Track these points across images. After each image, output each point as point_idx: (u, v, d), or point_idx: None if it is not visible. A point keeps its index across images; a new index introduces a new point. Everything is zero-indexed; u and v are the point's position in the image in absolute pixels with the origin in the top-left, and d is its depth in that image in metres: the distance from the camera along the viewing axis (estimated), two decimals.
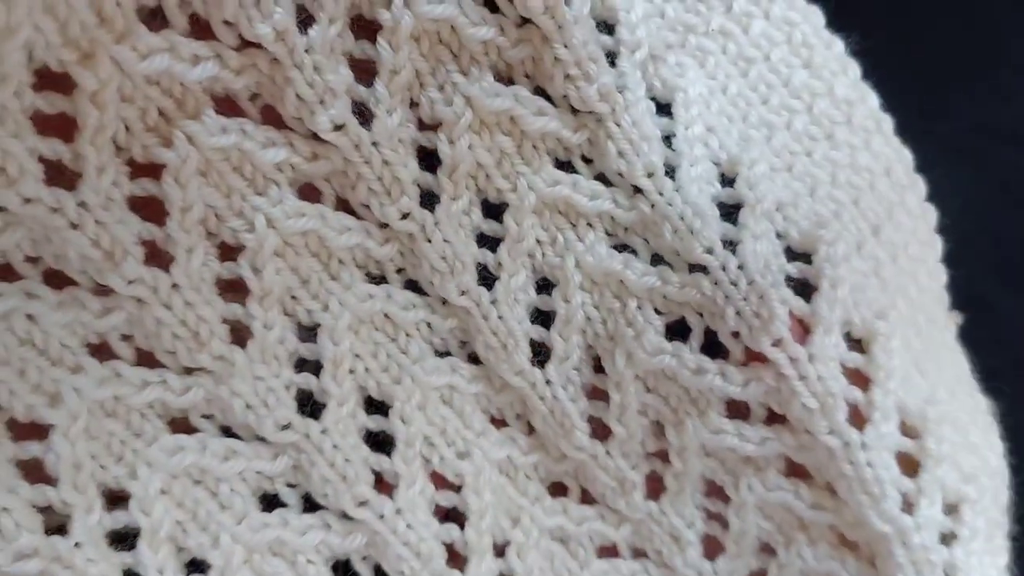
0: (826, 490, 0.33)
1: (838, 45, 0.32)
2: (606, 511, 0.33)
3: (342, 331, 0.29)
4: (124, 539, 0.27)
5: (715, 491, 0.34)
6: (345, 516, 0.29)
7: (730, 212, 0.30)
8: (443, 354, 0.31)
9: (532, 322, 0.31)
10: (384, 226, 0.29)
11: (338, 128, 0.27)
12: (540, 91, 0.29)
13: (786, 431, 0.32)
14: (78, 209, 0.24)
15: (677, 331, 0.31)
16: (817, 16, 0.32)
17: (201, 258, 0.27)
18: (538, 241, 0.31)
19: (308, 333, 0.29)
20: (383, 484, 0.30)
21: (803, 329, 0.31)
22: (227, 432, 0.28)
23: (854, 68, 0.33)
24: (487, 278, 0.30)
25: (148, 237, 0.26)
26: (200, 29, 0.25)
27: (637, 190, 0.30)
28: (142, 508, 0.27)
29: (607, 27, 0.29)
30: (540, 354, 0.31)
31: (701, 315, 0.31)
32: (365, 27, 0.27)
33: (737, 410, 0.32)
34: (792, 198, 0.31)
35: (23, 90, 0.22)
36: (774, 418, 0.32)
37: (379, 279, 0.30)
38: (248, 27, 0.25)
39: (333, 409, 0.29)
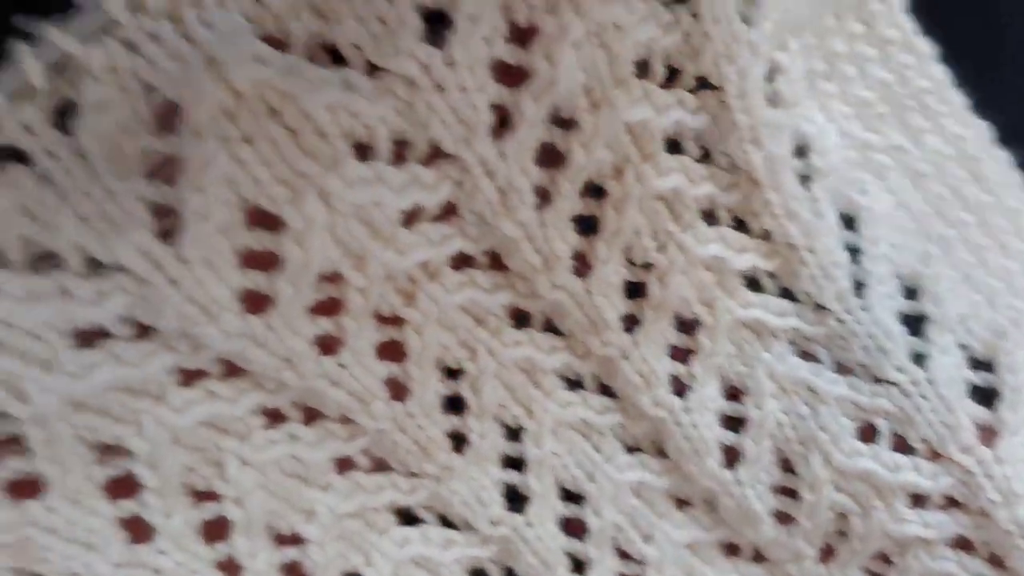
0: (989, 561, 0.34)
1: (1004, 157, 0.34)
2: None
3: (545, 435, 0.32)
4: None
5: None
6: None
7: (913, 323, 0.32)
8: (634, 450, 0.34)
9: (722, 427, 0.33)
10: (587, 348, 0.32)
11: (557, 288, 0.30)
12: (740, 223, 0.31)
13: (961, 513, 0.34)
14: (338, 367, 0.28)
15: (867, 434, 0.33)
16: (985, 130, 0.34)
17: (434, 388, 0.30)
18: (727, 354, 0.33)
19: (514, 434, 0.33)
20: (578, 566, 0.34)
21: (987, 433, 0.32)
22: (445, 521, 0.32)
23: (1017, 179, 0.34)
24: (679, 387, 0.33)
25: (390, 376, 0.30)
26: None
27: (824, 308, 0.32)
28: None
29: (799, 150, 0.31)
30: (730, 455, 0.34)
31: (887, 419, 0.33)
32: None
33: (918, 498, 0.34)
34: (973, 309, 0.33)
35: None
36: (952, 503, 0.34)
37: (576, 383, 0.33)
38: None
39: (536, 504, 0.33)
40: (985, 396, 0.33)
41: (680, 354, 0.33)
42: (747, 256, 0.31)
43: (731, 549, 0.36)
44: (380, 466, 0.31)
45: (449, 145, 0.27)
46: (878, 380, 0.32)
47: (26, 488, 0.26)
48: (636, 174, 0.29)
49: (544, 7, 0.26)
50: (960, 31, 0.32)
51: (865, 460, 0.33)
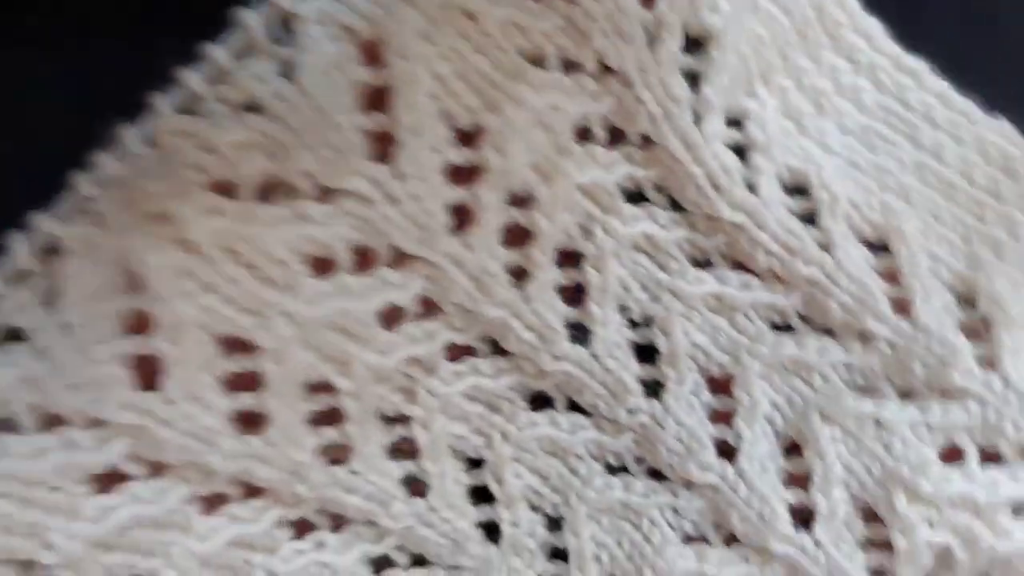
0: None
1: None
2: None
3: (582, 523, 0.31)
4: None
5: None
6: None
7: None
8: (694, 538, 0.31)
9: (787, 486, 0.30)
10: (615, 421, 0.30)
11: (556, 359, 0.30)
12: (739, 264, 0.30)
13: None
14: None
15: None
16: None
17: (453, 478, 0.30)
18: (773, 404, 0.30)
19: (555, 523, 0.31)
20: None
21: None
22: None
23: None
24: (728, 452, 0.30)
25: (407, 474, 0.30)
26: None
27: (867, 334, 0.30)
28: None
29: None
30: (801, 515, 0.30)
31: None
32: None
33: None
34: (949, 248, 0.31)
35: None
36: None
37: (620, 468, 0.31)
38: None
39: None
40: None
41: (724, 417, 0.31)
42: (752, 293, 0.30)
43: None
44: (418, 561, 0.30)
45: (413, 248, 0.28)
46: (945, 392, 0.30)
47: None
48: (604, 228, 0.30)
49: (484, 107, 0.28)
50: (957, 31, 0.32)
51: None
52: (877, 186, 0.30)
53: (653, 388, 0.30)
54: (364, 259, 0.28)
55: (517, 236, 0.29)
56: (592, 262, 0.30)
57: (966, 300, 0.30)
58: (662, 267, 0.30)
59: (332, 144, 0.27)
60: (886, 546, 0.30)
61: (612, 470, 0.31)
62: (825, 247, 0.29)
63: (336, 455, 0.29)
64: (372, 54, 0.28)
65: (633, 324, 0.30)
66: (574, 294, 0.30)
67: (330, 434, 0.29)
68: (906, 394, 0.30)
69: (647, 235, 0.30)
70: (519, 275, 0.29)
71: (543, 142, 0.29)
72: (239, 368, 0.28)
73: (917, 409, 0.30)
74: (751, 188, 0.30)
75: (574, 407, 0.31)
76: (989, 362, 0.30)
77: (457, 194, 0.29)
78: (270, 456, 0.28)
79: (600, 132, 0.30)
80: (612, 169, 0.29)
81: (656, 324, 0.30)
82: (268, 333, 0.27)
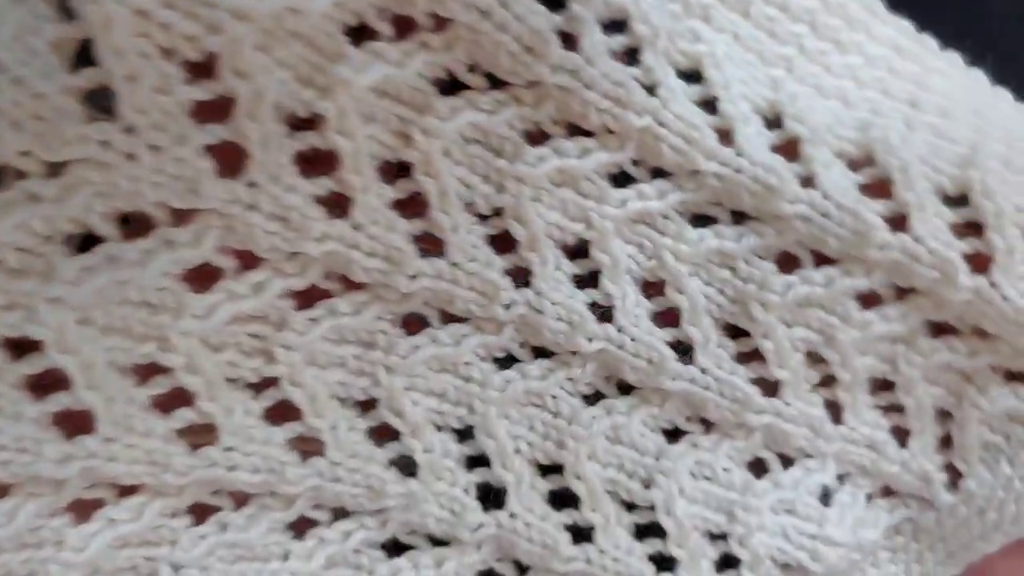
0: (974, 336, 0.33)
1: None
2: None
3: (493, 423, 0.31)
4: None
5: (880, 386, 0.34)
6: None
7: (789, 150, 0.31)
8: (594, 398, 0.32)
9: (660, 326, 0.32)
10: (493, 319, 0.30)
11: (413, 278, 0.29)
12: (575, 128, 0.29)
13: (918, 299, 0.33)
14: None
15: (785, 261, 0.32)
16: None
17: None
18: (630, 257, 0.31)
19: (466, 434, 0.31)
20: (580, 535, 0.32)
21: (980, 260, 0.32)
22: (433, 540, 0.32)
23: None
24: (605, 313, 0.31)
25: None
26: None
27: (698, 172, 0.30)
28: None
29: (618, 25, 0.29)
30: (681, 350, 0.32)
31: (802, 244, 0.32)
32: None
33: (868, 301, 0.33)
34: (833, 117, 0.31)
35: None
36: (903, 293, 0.33)
37: (509, 359, 0.31)
38: None
39: (513, 493, 0.31)
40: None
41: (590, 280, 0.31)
42: (591, 158, 0.29)
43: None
44: (340, 513, 0.31)
45: (181, 201, 0.26)
46: (777, 217, 0.31)
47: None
48: (422, 130, 0.28)
49: (205, 31, 0.24)
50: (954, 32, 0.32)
51: (799, 288, 0.32)
52: (682, 10, 0.30)
53: (521, 276, 0.30)
54: (139, 225, 0.26)
55: (319, 162, 0.27)
56: (421, 168, 0.28)
57: (773, 123, 0.30)
58: (498, 153, 0.29)
59: (41, 115, 0.24)
60: (757, 355, 0.33)
61: (503, 364, 0.31)
62: (651, 88, 0.29)
63: (200, 437, 0.28)
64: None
65: (483, 218, 0.30)
66: (415, 207, 0.29)
67: (186, 415, 0.28)
68: (739, 220, 0.31)
69: (473, 124, 0.28)
70: (338, 204, 0.27)
71: (300, 53, 0.25)
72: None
73: (753, 234, 0.31)
74: (569, 45, 0.28)
75: (450, 319, 0.30)
76: (807, 181, 0.30)
77: (214, 133, 0.25)
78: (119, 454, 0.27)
79: (381, 25, 0.26)
80: (406, 62, 0.27)
81: (507, 214, 0.29)
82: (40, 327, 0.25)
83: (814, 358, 0.33)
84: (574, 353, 0.31)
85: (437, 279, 0.29)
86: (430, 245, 0.29)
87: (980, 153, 0.32)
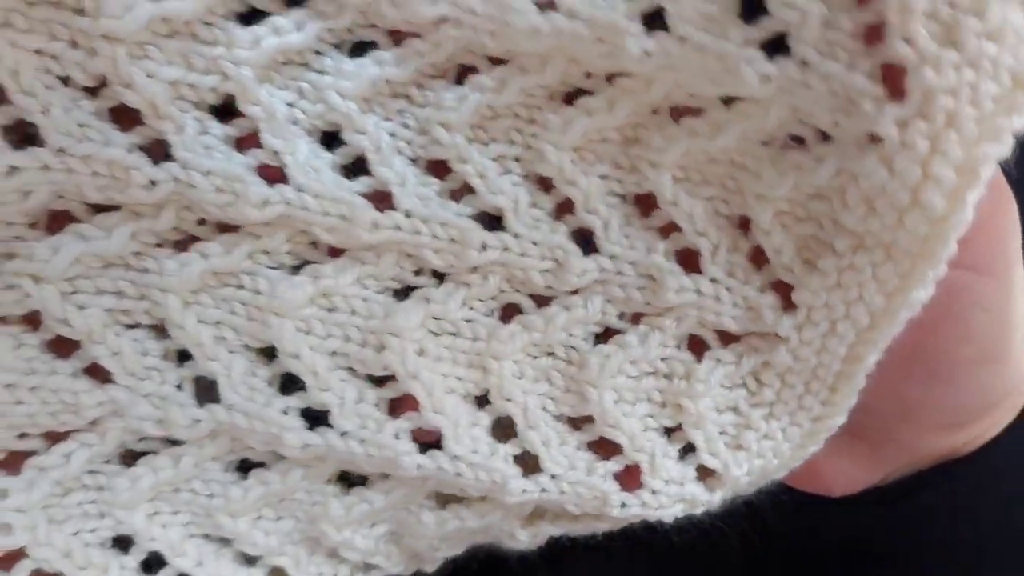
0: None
1: None
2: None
3: (178, 314, 0.29)
4: None
5: (637, 201, 0.30)
6: None
7: None
8: (300, 269, 0.30)
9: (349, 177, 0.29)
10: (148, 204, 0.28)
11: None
12: None
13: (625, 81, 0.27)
14: None
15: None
16: None
17: None
18: (291, 105, 0.28)
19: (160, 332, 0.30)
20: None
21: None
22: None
23: None
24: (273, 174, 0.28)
25: None
26: None
27: None
28: None
29: None
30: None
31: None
32: None
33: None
34: None
35: None
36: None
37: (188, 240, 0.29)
38: None
39: (225, 384, 0.29)
40: None
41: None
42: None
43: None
44: None
45: None
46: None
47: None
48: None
49: None
50: None
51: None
52: None
53: (159, 151, 0.27)
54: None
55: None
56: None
57: None
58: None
59: None
60: (468, 188, 0.29)
61: (179, 248, 0.29)
62: None
63: None
64: None
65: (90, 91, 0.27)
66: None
67: None
68: (398, 41, 0.27)
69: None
70: None
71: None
72: None
73: (414, 54, 0.27)
74: None
75: (99, 209, 0.28)
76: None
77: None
78: None
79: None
80: None
81: (112, 83, 0.26)
82: None
83: (535, 179, 0.29)
84: (263, 225, 0.28)
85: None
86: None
87: None
